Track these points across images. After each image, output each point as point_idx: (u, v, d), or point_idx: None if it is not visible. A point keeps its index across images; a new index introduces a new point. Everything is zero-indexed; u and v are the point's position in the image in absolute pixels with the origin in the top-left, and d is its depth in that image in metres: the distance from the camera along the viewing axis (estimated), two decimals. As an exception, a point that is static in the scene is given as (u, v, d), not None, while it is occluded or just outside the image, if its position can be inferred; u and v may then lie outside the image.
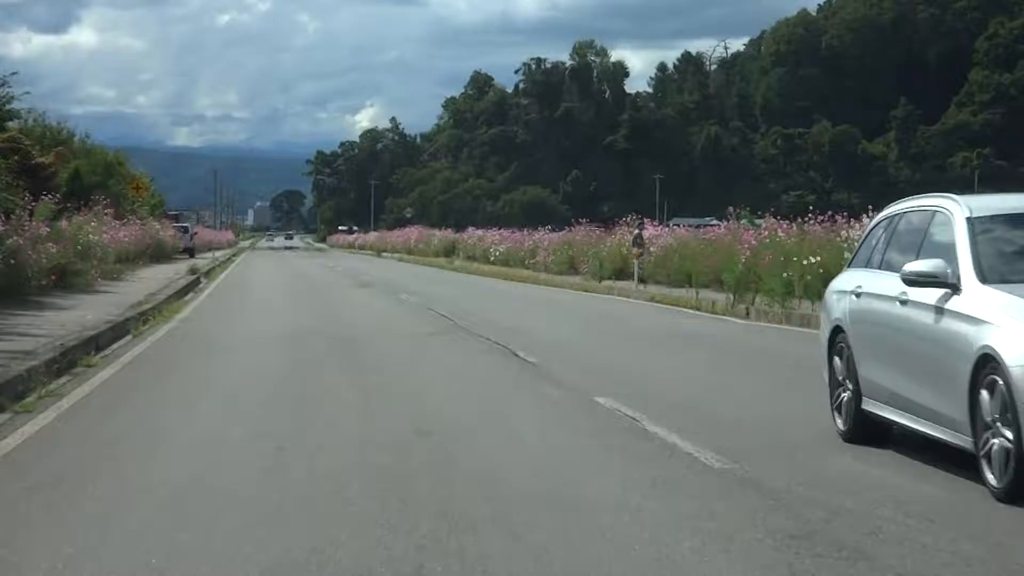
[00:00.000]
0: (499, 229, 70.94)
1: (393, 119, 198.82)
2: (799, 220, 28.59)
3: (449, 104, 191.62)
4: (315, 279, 44.46)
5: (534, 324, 21.44)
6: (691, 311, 25.20)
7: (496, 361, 15.59)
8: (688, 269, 31.92)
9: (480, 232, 72.04)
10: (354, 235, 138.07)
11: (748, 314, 23.39)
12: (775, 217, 30.95)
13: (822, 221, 27.51)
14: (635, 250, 36.07)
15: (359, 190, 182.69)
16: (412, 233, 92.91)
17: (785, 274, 22.90)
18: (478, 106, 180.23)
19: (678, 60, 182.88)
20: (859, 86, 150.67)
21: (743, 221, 34.38)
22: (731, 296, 24.20)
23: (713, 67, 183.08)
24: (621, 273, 37.50)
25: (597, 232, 46.28)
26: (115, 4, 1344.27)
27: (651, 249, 35.26)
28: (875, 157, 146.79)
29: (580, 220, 52.01)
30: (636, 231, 38.08)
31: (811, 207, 31.28)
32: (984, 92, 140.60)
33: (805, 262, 22.91)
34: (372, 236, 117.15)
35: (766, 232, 28.49)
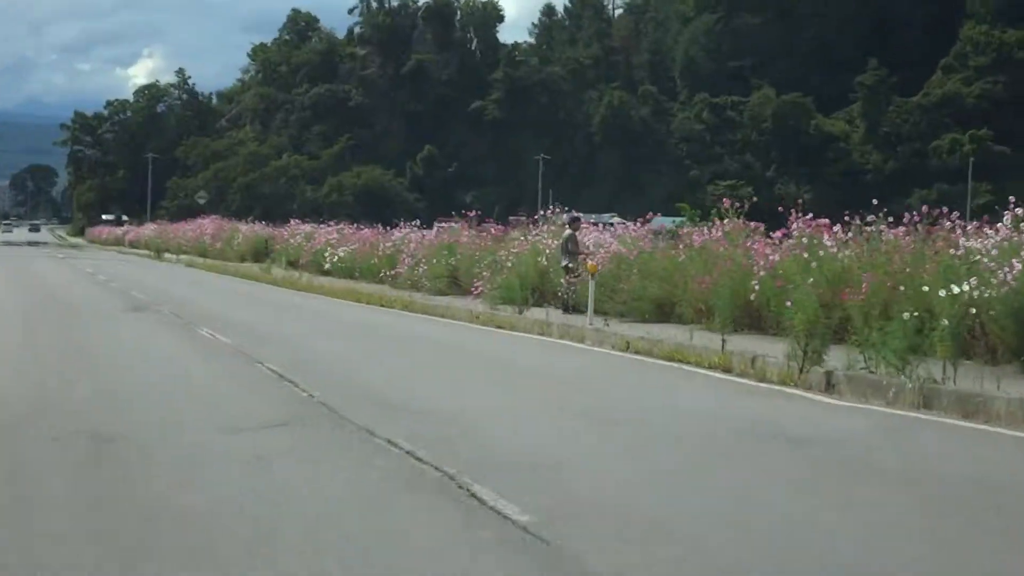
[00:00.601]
0: (333, 224, 64.64)
1: (180, 71, 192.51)
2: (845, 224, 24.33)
3: (258, 53, 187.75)
4: (70, 300, 36.27)
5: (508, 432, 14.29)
6: (726, 376, 18.92)
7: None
8: (655, 295, 27.90)
9: (307, 228, 65.29)
10: (124, 228, 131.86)
11: (831, 386, 17.08)
12: (799, 212, 25.42)
13: (937, 221, 21.72)
14: (570, 261, 30.42)
15: (132, 167, 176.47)
16: (206, 227, 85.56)
17: (909, 313, 16.67)
18: (297, 56, 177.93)
19: (570, 1, 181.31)
20: (814, 42, 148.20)
21: (681, 221, 32.56)
22: (798, 351, 17.75)
23: (618, 11, 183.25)
24: (541, 297, 32.14)
25: (486, 232, 42.38)
26: None
27: (587, 261, 29.31)
28: (834, 137, 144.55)
29: (443, 214, 47.88)
30: (568, 230, 32.00)
31: (746, 201, 28.80)
32: (981, 54, 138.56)
33: (944, 292, 16.89)
34: (149, 229, 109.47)
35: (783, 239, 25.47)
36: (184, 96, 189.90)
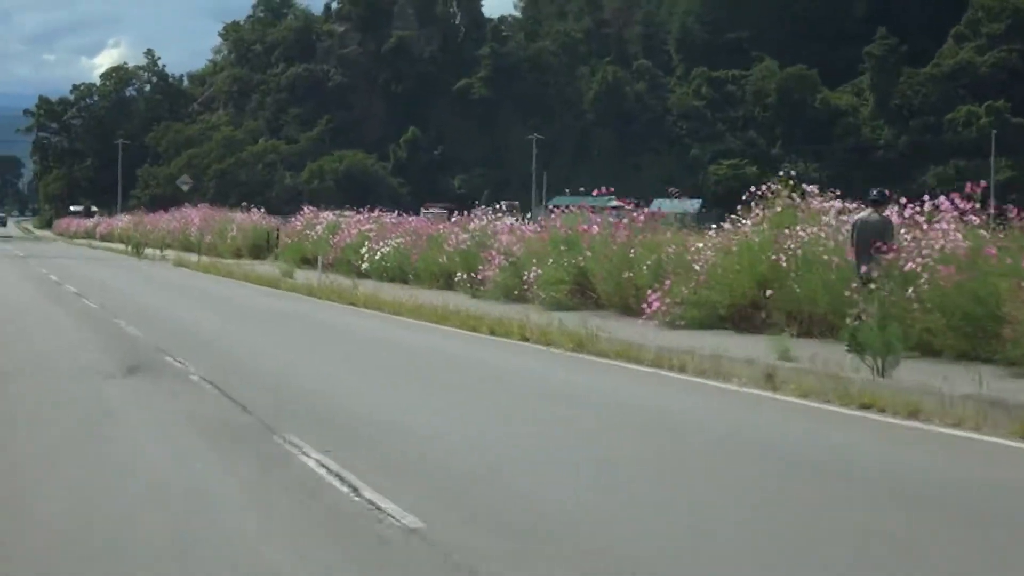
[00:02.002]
0: (371, 212, 52.56)
1: (149, 52, 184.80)
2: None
3: (230, 32, 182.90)
4: (13, 352, 20.75)
5: None
6: None
7: None
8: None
9: (328, 217, 55.43)
10: (94, 219, 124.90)
11: None
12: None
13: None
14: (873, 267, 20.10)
15: (100, 154, 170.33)
16: (192, 217, 77.11)
17: None
18: (272, 35, 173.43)
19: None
20: (818, 10, 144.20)
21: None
22: None
23: None
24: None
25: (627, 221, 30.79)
26: None
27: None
28: (842, 111, 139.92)
29: (430, 200, 40.43)
30: (866, 212, 21.29)
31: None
32: (994, 20, 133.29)
33: None
34: (123, 221, 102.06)
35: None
36: (154, 79, 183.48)
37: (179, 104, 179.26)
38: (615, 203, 60.99)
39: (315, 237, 52.03)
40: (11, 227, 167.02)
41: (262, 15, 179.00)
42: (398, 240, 42.98)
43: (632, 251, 27.89)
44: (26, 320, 27.40)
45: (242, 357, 20.98)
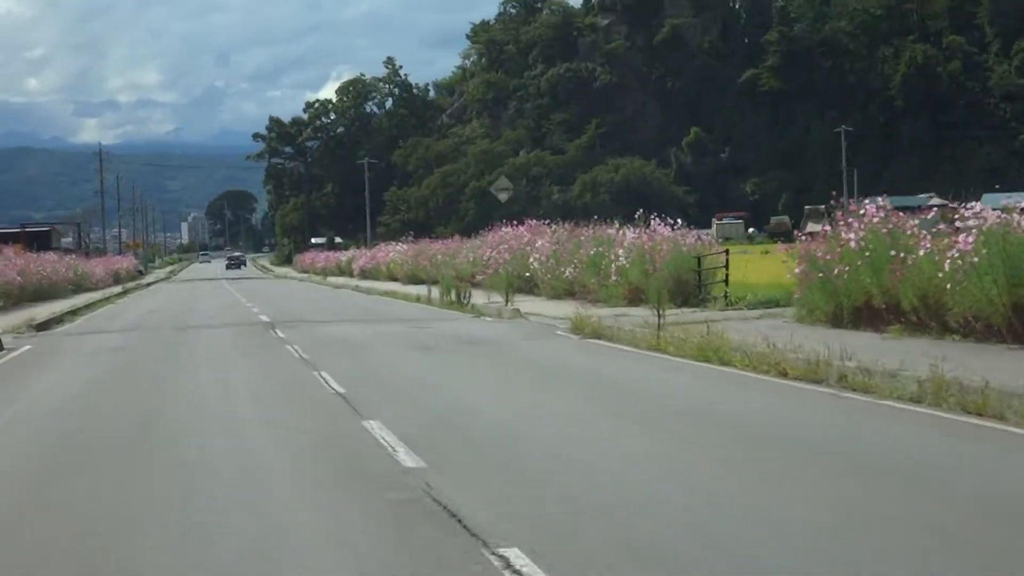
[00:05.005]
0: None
1: (389, 60, 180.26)
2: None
3: (479, 33, 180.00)
4: None
5: None
6: None
7: None
8: None
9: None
10: (349, 252, 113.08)
11: None
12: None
13: None
14: None
15: (340, 178, 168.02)
16: (526, 238, 49.37)
17: None
18: (527, 34, 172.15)
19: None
20: None
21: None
22: None
23: None
24: None
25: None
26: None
27: None
28: None
29: (720, 209, 31.08)
30: None
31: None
32: None
33: None
34: (393, 251, 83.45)
35: None
36: (395, 91, 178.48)
37: (426, 117, 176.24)
38: (935, 201, 59.79)
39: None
40: (249, 267, 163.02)
41: (514, 11, 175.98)
42: None
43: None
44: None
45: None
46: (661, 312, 24.09)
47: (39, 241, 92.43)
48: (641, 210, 38.45)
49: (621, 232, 39.10)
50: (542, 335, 27.81)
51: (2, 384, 22.99)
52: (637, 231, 36.79)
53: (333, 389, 17.87)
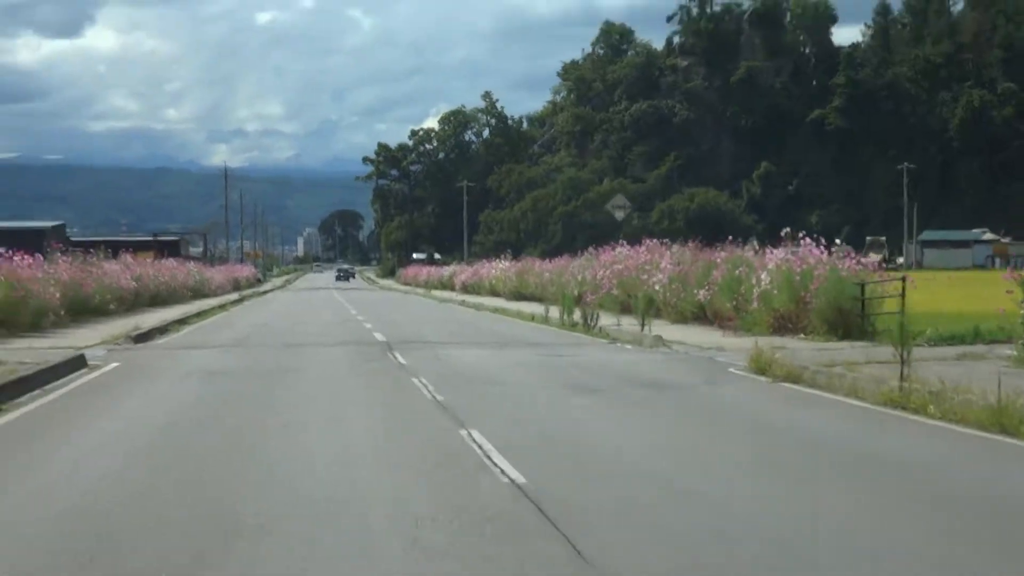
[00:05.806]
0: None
1: (487, 95, 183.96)
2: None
3: (569, 71, 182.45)
4: None
5: None
6: None
7: None
8: None
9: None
10: (450, 268, 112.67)
11: None
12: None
13: None
14: None
15: (441, 200, 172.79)
16: (646, 256, 46.46)
17: None
18: (613, 72, 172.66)
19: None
20: None
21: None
22: None
23: (955, 7, 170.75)
24: None
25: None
26: (134, 1, 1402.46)
27: None
28: None
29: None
30: None
31: None
32: None
33: None
34: (500, 267, 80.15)
35: None
36: (492, 121, 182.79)
37: (519, 146, 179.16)
38: (987, 236, 55.32)
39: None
40: (358, 279, 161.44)
41: (601, 52, 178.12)
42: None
43: None
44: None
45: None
46: (906, 353, 17.21)
47: (169, 249, 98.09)
48: (788, 228, 34.79)
49: (763, 253, 35.13)
50: (720, 377, 21.86)
51: (45, 431, 15.07)
52: (785, 252, 33.18)
53: (500, 468, 11.67)
